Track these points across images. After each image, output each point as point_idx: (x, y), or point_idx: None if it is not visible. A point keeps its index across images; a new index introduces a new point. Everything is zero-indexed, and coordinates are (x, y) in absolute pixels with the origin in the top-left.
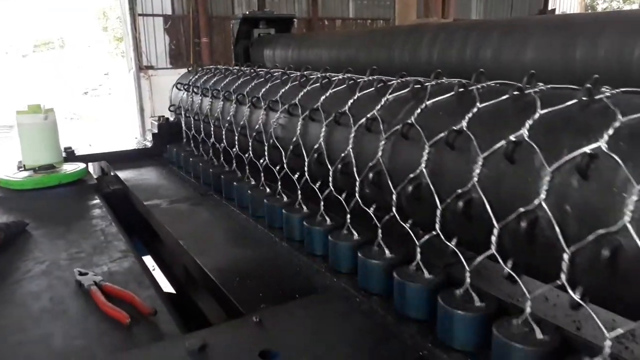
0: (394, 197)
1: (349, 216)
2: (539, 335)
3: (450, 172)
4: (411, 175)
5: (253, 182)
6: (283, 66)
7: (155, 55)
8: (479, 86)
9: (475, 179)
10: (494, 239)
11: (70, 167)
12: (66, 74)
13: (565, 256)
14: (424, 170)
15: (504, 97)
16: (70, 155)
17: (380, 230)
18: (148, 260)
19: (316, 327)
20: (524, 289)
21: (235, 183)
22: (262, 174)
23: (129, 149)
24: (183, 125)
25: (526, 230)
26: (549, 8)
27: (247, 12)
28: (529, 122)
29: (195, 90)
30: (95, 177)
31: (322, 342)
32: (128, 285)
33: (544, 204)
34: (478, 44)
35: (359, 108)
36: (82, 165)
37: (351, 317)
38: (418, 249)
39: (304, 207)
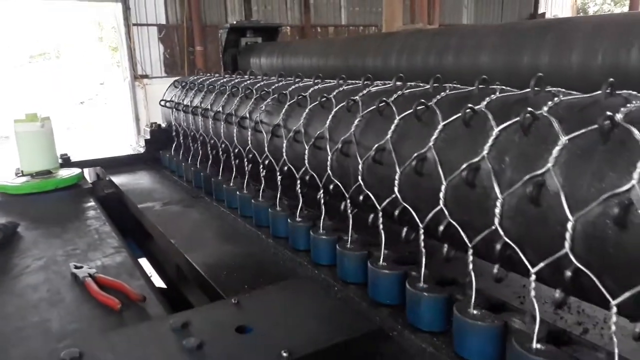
0: (360, 166)
1: (321, 199)
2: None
3: (413, 140)
4: (377, 145)
5: (242, 184)
6: (269, 73)
7: (150, 64)
8: (451, 85)
9: (432, 142)
10: (441, 194)
11: (66, 173)
12: (62, 84)
13: (499, 203)
14: (389, 138)
15: (471, 88)
16: (66, 162)
17: (350, 222)
18: (143, 262)
19: (289, 307)
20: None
21: (224, 185)
22: (246, 174)
23: (123, 155)
24: (173, 119)
25: (467, 181)
26: (540, 12)
27: (235, 22)
28: (487, 99)
29: (191, 86)
30: (90, 181)
31: (293, 319)
32: (120, 276)
33: (486, 157)
34: (440, 50)
35: (343, 98)
36: (77, 171)
37: (321, 298)
38: (382, 234)
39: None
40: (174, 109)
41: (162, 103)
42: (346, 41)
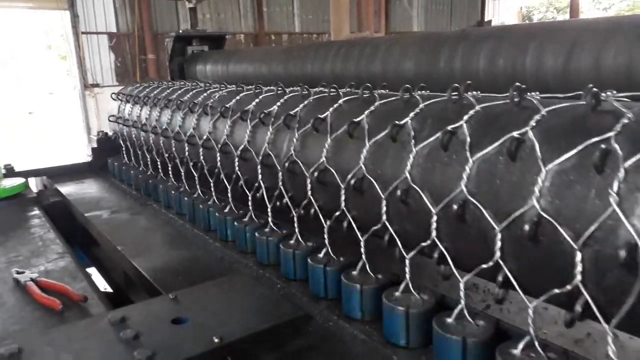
0: (295, 141)
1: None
2: (418, 299)
3: (348, 114)
4: (317, 117)
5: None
6: (214, 80)
7: (100, 73)
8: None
9: (371, 109)
10: (362, 158)
11: (9, 183)
12: (10, 94)
13: (411, 155)
14: (329, 114)
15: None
16: (10, 172)
17: (296, 222)
18: (92, 271)
19: (225, 300)
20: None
21: (172, 192)
22: (194, 180)
23: (70, 164)
24: (118, 127)
25: (392, 136)
26: (487, 19)
27: (181, 31)
28: (421, 92)
29: (136, 98)
30: (36, 191)
31: (228, 310)
32: (63, 280)
33: (410, 122)
34: (370, 57)
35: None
36: (21, 180)
37: (256, 291)
38: (326, 233)
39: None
40: (125, 101)
41: (114, 96)
42: (286, 50)
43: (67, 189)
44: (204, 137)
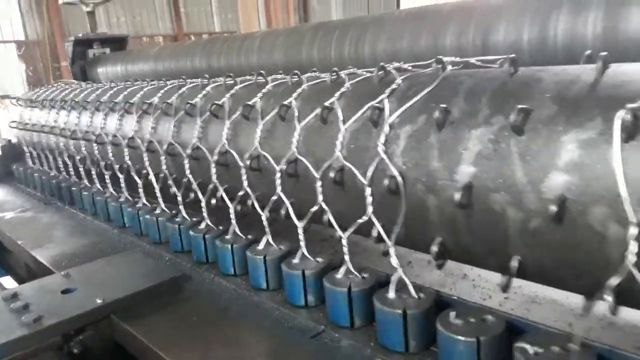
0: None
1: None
2: (276, 250)
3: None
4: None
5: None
6: (114, 80)
7: (10, 84)
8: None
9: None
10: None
11: None
12: None
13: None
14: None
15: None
16: None
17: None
18: (8, 280)
19: (112, 272)
20: None
21: (73, 188)
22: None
23: None
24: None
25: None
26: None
27: (80, 35)
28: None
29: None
30: None
31: (114, 279)
32: None
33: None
34: (247, 50)
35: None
36: None
37: (141, 263)
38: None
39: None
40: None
41: (13, 125)
42: (177, 46)
43: None
44: (96, 133)
